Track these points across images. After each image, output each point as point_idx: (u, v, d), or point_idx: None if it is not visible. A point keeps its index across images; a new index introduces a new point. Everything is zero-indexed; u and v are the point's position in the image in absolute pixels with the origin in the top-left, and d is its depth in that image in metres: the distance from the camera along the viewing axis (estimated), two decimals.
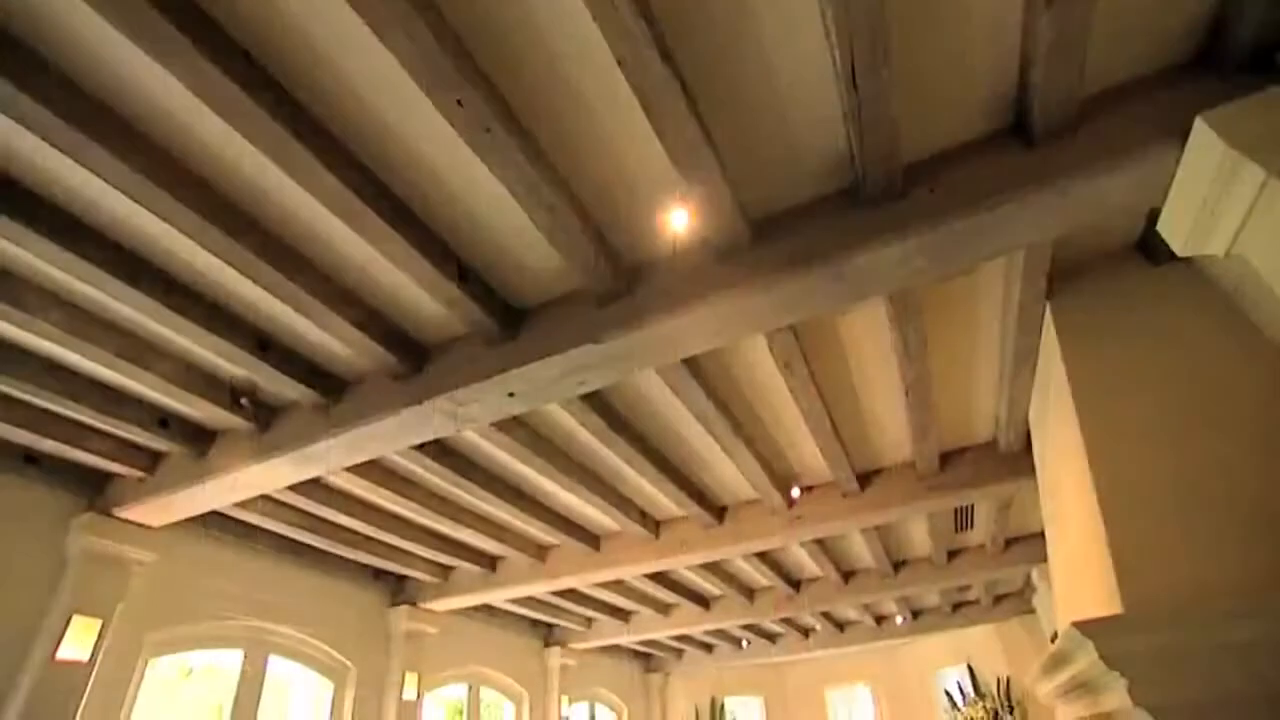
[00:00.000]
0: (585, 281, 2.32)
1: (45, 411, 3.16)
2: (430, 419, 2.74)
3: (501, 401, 2.62)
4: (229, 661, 4.47)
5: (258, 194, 2.12)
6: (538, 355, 2.41)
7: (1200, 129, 1.68)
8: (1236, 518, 2.01)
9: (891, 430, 3.74)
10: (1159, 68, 1.88)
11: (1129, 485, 2.24)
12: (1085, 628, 1.94)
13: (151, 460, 3.54)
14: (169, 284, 2.44)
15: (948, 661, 8.94)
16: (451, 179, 2.09)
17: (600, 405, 3.19)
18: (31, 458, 3.47)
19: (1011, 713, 7.59)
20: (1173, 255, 2.21)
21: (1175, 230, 1.90)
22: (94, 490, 3.67)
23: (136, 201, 1.98)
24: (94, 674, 3.41)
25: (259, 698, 4.44)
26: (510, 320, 2.54)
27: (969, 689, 8.28)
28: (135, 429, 3.18)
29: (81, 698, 3.34)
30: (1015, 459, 3.84)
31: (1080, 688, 2.44)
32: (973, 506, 4.91)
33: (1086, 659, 2.06)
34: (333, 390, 2.98)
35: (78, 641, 3.37)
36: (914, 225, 1.98)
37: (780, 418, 3.51)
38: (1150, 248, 2.47)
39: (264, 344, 2.75)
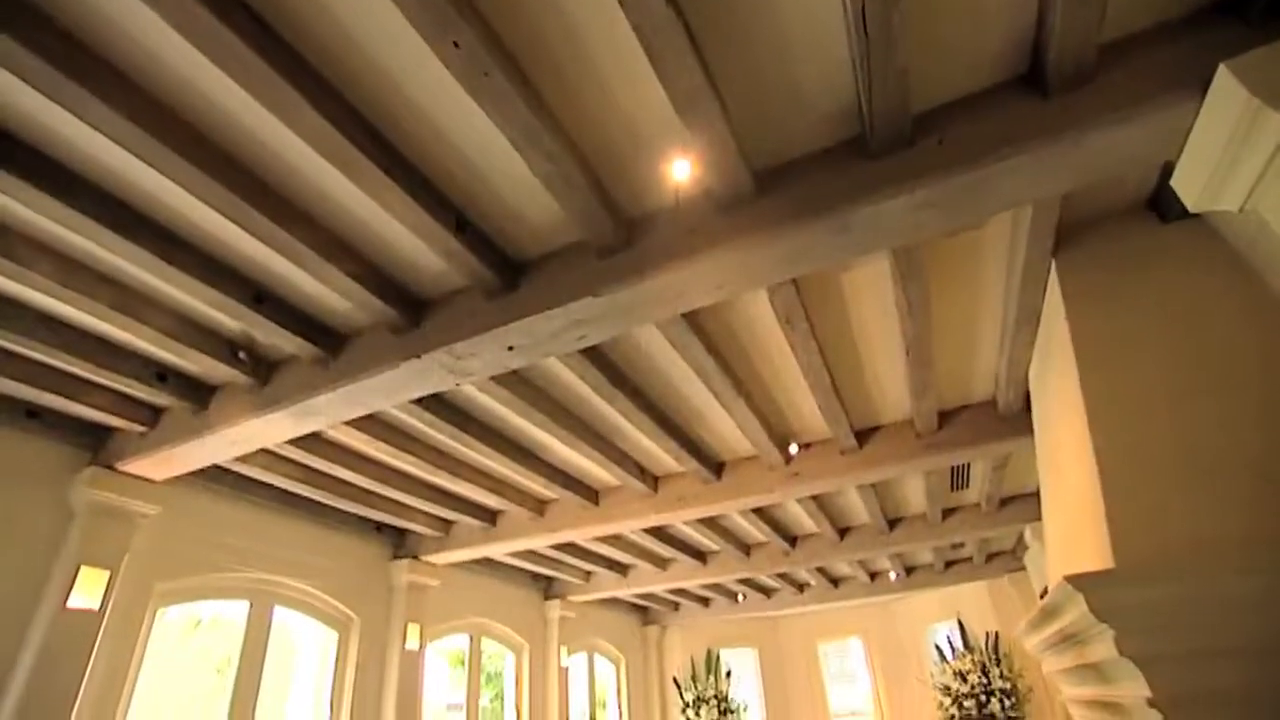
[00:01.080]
0: (585, 234, 2.29)
1: (43, 365, 3.15)
2: (429, 373, 2.73)
3: (500, 355, 2.60)
4: (236, 613, 4.57)
5: (253, 143, 2.06)
6: (537, 308, 2.38)
7: (1223, 76, 1.62)
8: (1234, 480, 2.01)
9: (891, 388, 3.74)
10: (1183, 13, 1.81)
11: (1127, 445, 2.24)
12: (1076, 581, 1.96)
13: (151, 414, 3.55)
14: (163, 235, 2.39)
15: (938, 616, 9.14)
16: (449, 127, 2.03)
17: (600, 360, 3.18)
18: (33, 412, 3.47)
19: (998, 665, 7.79)
20: (1185, 212, 2.17)
21: (1189, 184, 1.86)
22: (96, 444, 3.69)
23: (131, 153, 1.94)
24: (104, 622, 3.47)
25: (265, 647, 4.54)
26: (509, 273, 2.51)
27: (958, 643, 8.48)
28: (133, 383, 3.17)
29: (94, 644, 3.41)
30: (1013, 419, 3.85)
31: (1067, 640, 2.48)
32: (969, 465, 4.95)
33: (1076, 612, 2.09)
34: (331, 344, 2.96)
35: (87, 591, 3.42)
36: (921, 177, 1.94)
37: (780, 374, 3.51)
38: (1162, 204, 2.43)
39: (260, 296, 2.72)
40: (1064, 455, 2.82)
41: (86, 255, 2.51)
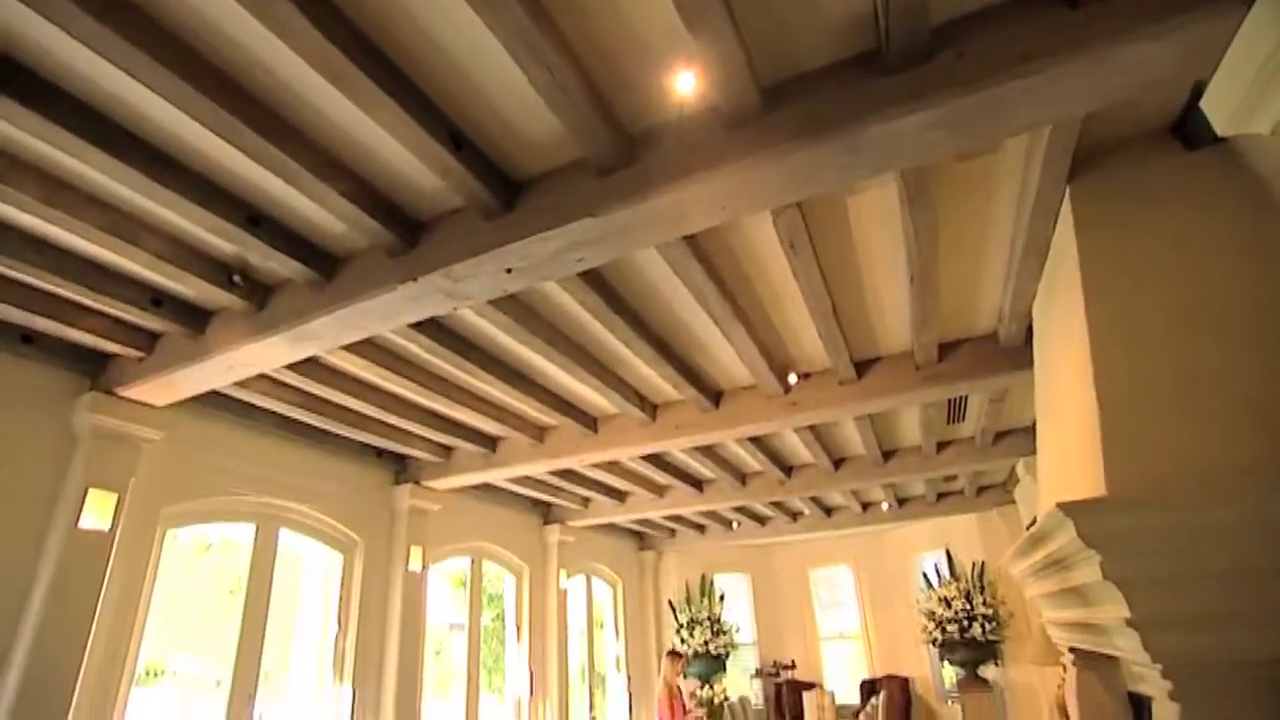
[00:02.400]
0: (586, 151, 2.21)
1: (35, 290, 3.11)
2: (426, 296, 2.69)
3: (499, 278, 2.56)
4: (244, 536, 4.68)
5: (242, 58, 1.97)
6: (536, 229, 2.33)
7: None
8: (1230, 413, 2.01)
9: (892, 318, 3.71)
10: None
11: (1127, 376, 2.24)
12: (1068, 507, 1.99)
13: (149, 340, 3.54)
14: (152, 154, 2.32)
15: (928, 546, 9.41)
16: (445, 38, 1.93)
17: (600, 285, 3.14)
18: (28, 337, 3.45)
19: (982, 593, 8.07)
20: (1211, 138, 2.09)
21: (1221, 105, 1.77)
22: (95, 370, 3.69)
23: (118, 68, 1.86)
24: (115, 543, 3.56)
25: (272, 568, 4.67)
26: (507, 193, 2.44)
27: (945, 572, 8.76)
28: (128, 308, 3.14)
29: (107, 563, 3.51)
30: (1014, 352, 3.84)
31: (1053, 565, 2.54)
32: (966, 399, 4.97)
33: (1065, 537, 2.12)
34: (327, 267, 2.92)
35: (96, 512, 3.50)
36: (937, 93, 1.85)
37: (781, 301, 3.48)
38: (1187, 130, 2.34)
39: (254, 219, 2.66)
40: (1063, 387, 2.82)
41: (73, 175, 2.44)
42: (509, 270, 2.51)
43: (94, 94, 2.10)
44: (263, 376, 4.02)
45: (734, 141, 2.08)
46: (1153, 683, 1.96)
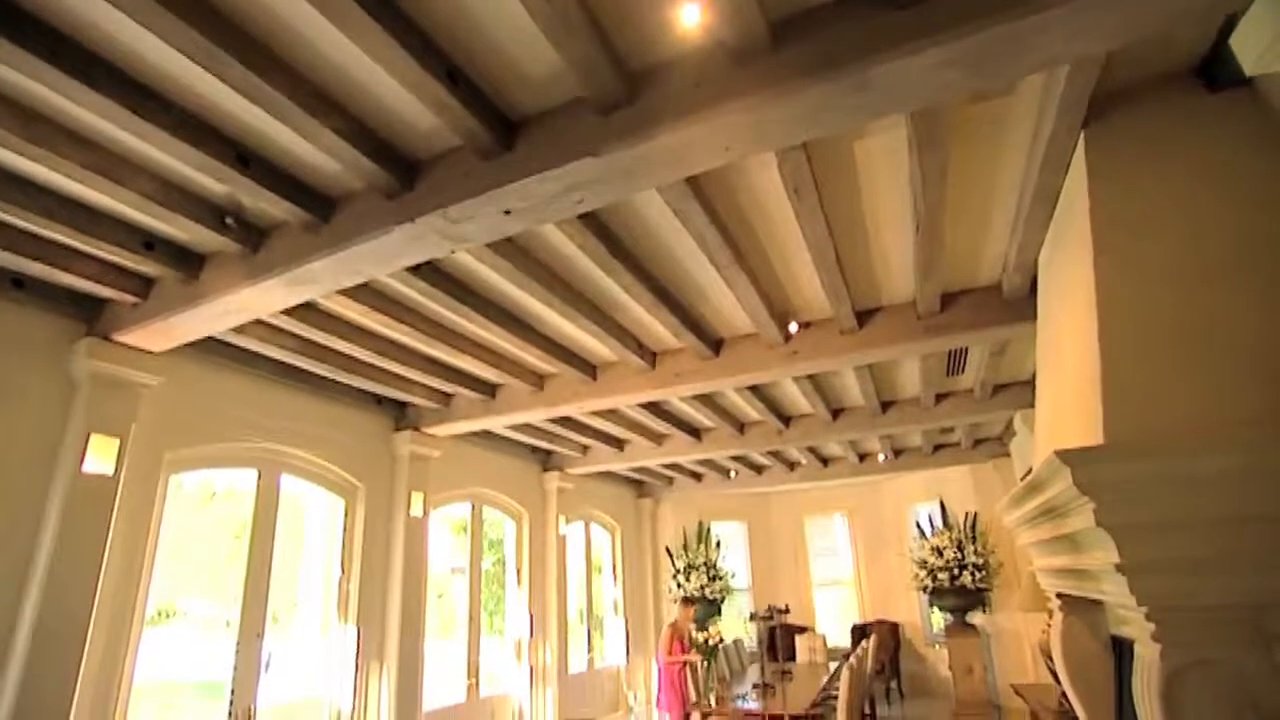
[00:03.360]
0: (586, 88, 2.13)
1: (25, 233, 3.04)
2: (424, 238, 2.64)
3: (497, 220, 2.51)
4: (248, 482, 4.73)
5: None
6: (534, 169, 2.27)
7: None
8: (1233, 365, 2.00)
9: (896, 267, 3.67)
10: None
11: (1132, 327, 2.22)
12: (1065, 455, 2.00)
13: (143, 285, 3.50)
14: (133, 87, 2.23)
15: (922, 497, 9.56)
16: None
17: (599, 228, 3.09)
18: (19, 281, 3.41)
19: (974, 543, 8.23)
20: (1235, 81, 2.01)
21: (1251, 43, 1.70)
22: (90, 316, 3.67)
23: None
24: (120, 487, 3.60)
25: (275, 513, 4.73)
26: (505, 131, 2.37)
27: (938, 522, 8.92)
28: (120, 251, 3.09)
29: (112, 507, 3.55)
30: (1017, 304, 3.82)
31: (1047, 514, 2.57)
32: (966, 350, 4.97)
33: (1060, 485, 2.14)
34: (321, 209, 2.86)
35: (100, 457, 3.52)
36: (952, 28, 1.77)
37: (783, 248, 3.43)
38: (1211, 71, 2.25)
39: (244, 158, 2.59)
40: (1065, 339, 2.80)
41: (54, 110, 2.35)
42: (507, 212, 2.46)
43: (73, 24, 2.01)
44: (260, 322, 4.01)
45: (740, 79, 2.01)
46: (1136, 626, 2.00)
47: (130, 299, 3.49)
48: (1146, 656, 1.89)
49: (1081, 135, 2.48)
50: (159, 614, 5.10)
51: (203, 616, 5.42)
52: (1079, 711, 3.01)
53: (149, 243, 3.16)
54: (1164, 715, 1.74)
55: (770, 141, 2.17)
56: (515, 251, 3.27)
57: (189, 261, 3.30)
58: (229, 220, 2.99)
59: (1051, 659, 3.56)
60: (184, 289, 3.33)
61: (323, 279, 3.03)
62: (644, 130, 2.11)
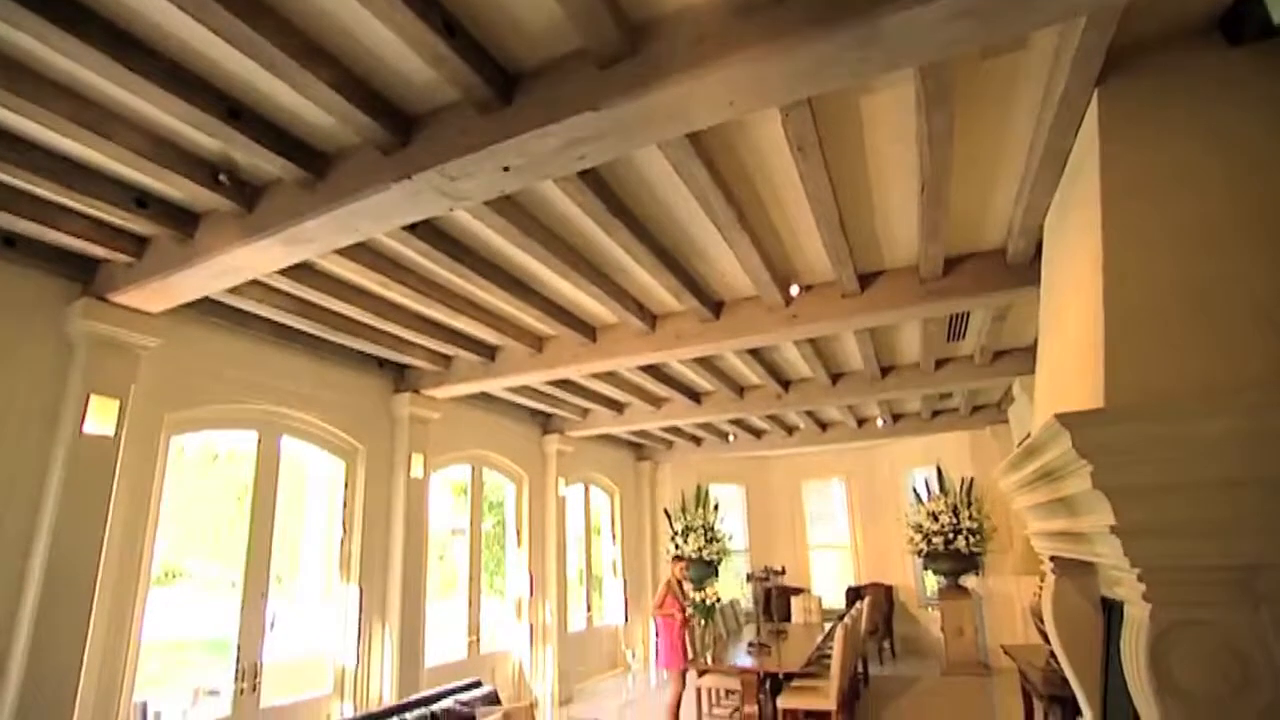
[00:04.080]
0: (586, 40, 2.07)
1: (14, 190, 3.00)
2: (421, 195, 2.60)
3: (496, 177, 2.47)
4: (249, 445, 4.75)
5: None
6: (534, 124, 2.22)
7: None
8: (1243, 328, 1.98)
9: (900, 229, 3.63)
10: None
11: (1138, 290, 2.19)
12: (1065, 418, 1.99)
13: (137, 244, 3.46)
14: (120, 37, 2.16)
15: (919, 462, 9.63)
16: None
17: (599, 187, 3.04)
18: (10, 240, 3.37)
19: (969, 508, 8.32)
20: (1259, 33, 1.95)
21: None
22: (85, 276, 3.64)
23: None
24: (121, 448, 3.61)
25: (277, 474, 4.77)
26: (503, 85, 2.31)
27: (935, 487, 9.00)
28: (112, 209, 3.04)
29: (114, 467, 3.58)
30: (1021, 269, 3.78)
31: (1044, 478, 2.58)
32: (968, 315, 4.94)
33: (1059, 448, 2.14)
34: (316, 165, 2.81)
35: (100, 418, 3.53)
36: None
37: (786, 208, 3.38)
38: (1234, 23, 2.18)
39: (235, 111, 2.53)
40: (1069, 303, 2.78)
41: (33, 59, 2.29)
42: (506, 169, 2.41)
43: None
44: (258, 283, 3.98)
45: (743, 31, 1.95)
46: (1128, 587, 2.02)
47: (125, 258, 3.46)
48: (1136, 616, 1.91)
49: (1095, 93, 2.42)
50: (166, 574, 5.19)
51: (208, 577, 5.52)
52: (1067, 670, 3.07)
53: (141, 200, 3.12)
54: (1150, 671, 1.77)
55: (774, 96, 2.12)
56: (515, 210, 3.22)
57: (183, 220, 3.26)
58: (222, 177, 2.94)
59: (1042, 621, 3.62)
60: (179, 248, 3.30)
61: (319, 237, 2.99)
62: (645, 84, 2.05)
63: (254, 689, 4.36)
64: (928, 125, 2.50)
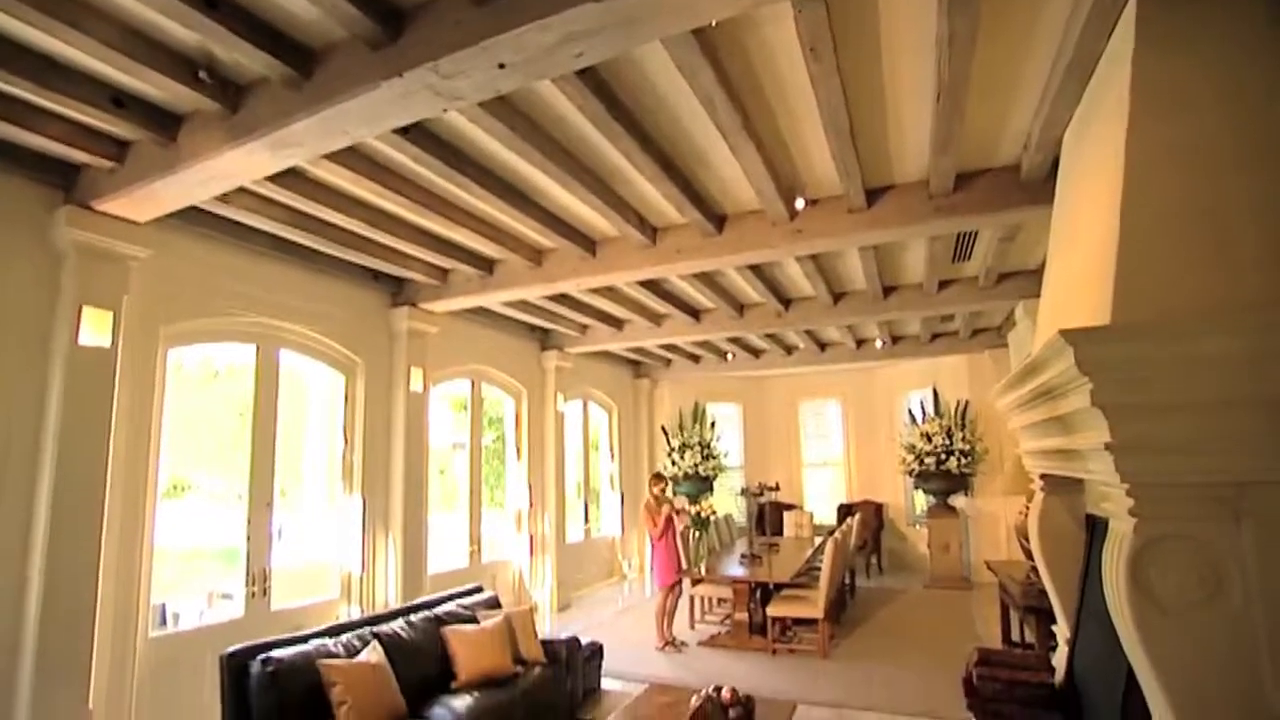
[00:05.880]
0: None
1: None
2: (414, 95, 2.47)
3: (491, 74, 2.33)
4: (248, 361, 4.75)
5: None
6: (531, 17, 2.07)
7: None
8: (1260, 251, 1.93)
9: (911, 141, 3.49)
10: None
11: (1157, 209, 2.12)
12: (1069, 334, 1.97)
13: (118, 148, 3.34)
14: None
15: (915, 385, 9.71)
16: None
17: (600, 87, 2.89)
18: None
19: (963, 430, 8.45)
20: None
21: None
22: (67, 183, 3.53)
23: None
24: (119, 359, 3.61)
25: (276, 388, 4.79)
26: None
27: (930, 409, 9.11)
28: (88, 109, 2.91)
29: (113, 379, 3.59)
30: (1035, 186, 3.67)
31: (1043, 395, 2.58)
32: (975, 235, 4.85)
33: (1061, 366, 2.12)
34: (302, 62, 2.66)
35: (94, 329, 3.52)
36: None
37: (795, 114, 3.23)
38: None
39: (211, 1, 2.37)
40: (1082, 221, 2.71)
41: None
42: (502, 65, 2.27)
43: None
44: (249, 192, 3.88)
45: None
46: (1116, 502, 2.05)
47: (106, 164, 3.35)
48: (1121, 530, 1.94)
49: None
50: (174, 488, 5.33)
51: (215, 490, 5.66)
52: (1046, 582, 3.18)
53: (118, 99, 2.98)
54: (1128, 582, 1.82)
55: None
56: (512, 114, 3.09)
57: (165, 122, 3.13)
58: (202, 74, 2.79)
59: (1026, 538, 3.73)
60: (162, 153, 3.18)
61: (307, 141, 2.87)
62: None
63: (264, 593, 4.54)
64: (949, 26, 2.35)
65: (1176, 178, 2.12)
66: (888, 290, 6.20)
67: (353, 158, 3.50)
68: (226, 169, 3.11)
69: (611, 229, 4.63)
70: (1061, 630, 3.22)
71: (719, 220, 4.48)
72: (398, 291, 5.83)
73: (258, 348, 4.74)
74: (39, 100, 2.88)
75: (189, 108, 3.07)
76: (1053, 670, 3.11)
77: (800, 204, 4.11)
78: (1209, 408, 1.85)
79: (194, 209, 3.89)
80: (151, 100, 3.03)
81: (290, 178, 3.69)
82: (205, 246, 4.33)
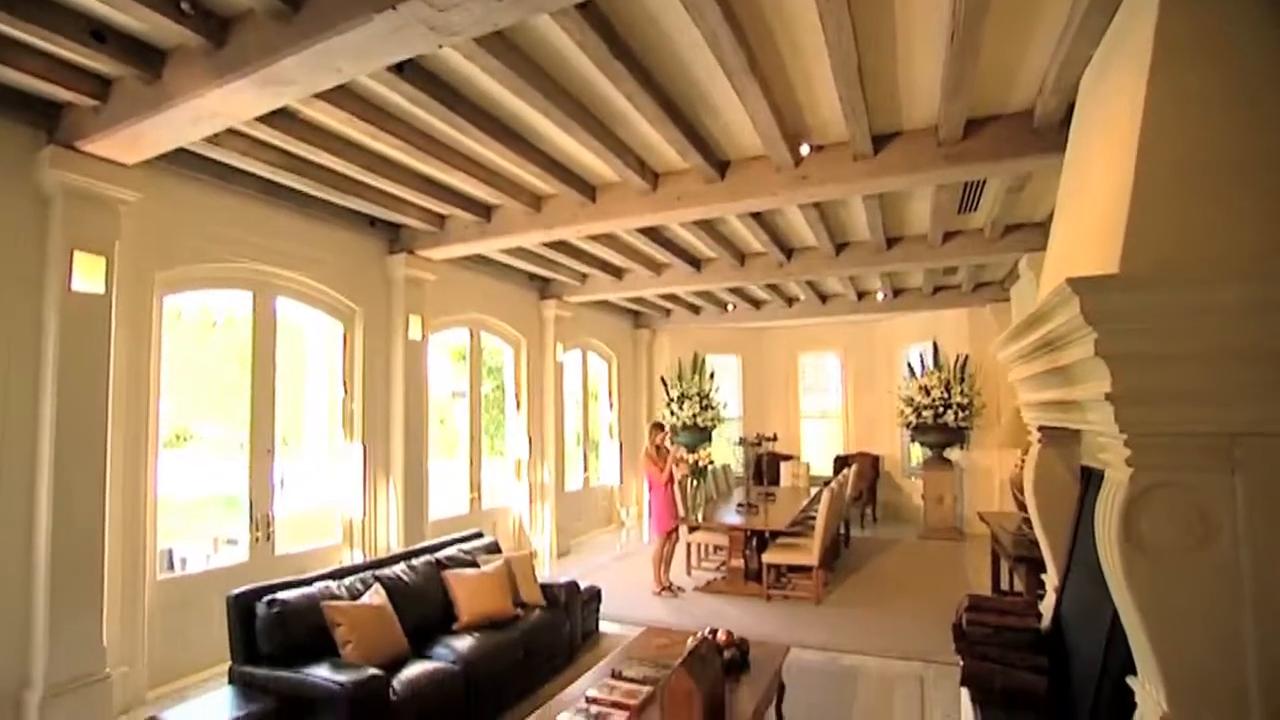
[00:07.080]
0: None
1: None
2: (407, 29, 2.36)
3: (488, 6, 2.22)
4: (246, 310, 4.72)
5: None
6: None
7: None
8: (1269, 204, 1.88)
9: (921, 85, 3.39)
10: None
11: (1173, 158, 2.06)
12: (1076, 283, 1.94)
13: (101, 86, 3.24)
14: None
15: (916, 338, 9.69)
16: None
17: (600, 22, 2.78)
18: None
19: (962, 384, 8.46)
20: None
21: None
22: (50, 123, 3.44)
23: None
24: (113, 306, 3.59)
25: (274, 335, 4.77)
26: None
27: (930, 363, 9.11)
28: (66, 42, 2.81)
29: (109, 325, 3.57)
30: (1047, 133, 3.58)
31: (1045, 346, 2.56)
32: (983, 185, 4.75)
33: (1066, 315, 2.10)
34: None
35: (87, 275, 3.48)
36: None
37: (802, 54, 3.12)
38: None
39: None
40: (1095, 170, 2.64)
41: None
42: None
43: None
44: (240, 134, 3.79)
45: None
46: (1113, 452, 2.05)
47: (89, 102, 3.26)
48: (1116, 479, 1.95)
49: None
50: (176, 437, 5.38)
51: (217, 439, 5.71)
52: (1038, 532, 3.22)
53: (98, 33, 2.87)
54: (1120, 526, 1.84)
55: None
56: (509, 50, 2.98)
57: (148, 58, 3.02)
58: (185, 5, 2.68)
59: (1021, 491, 3.76)
60: (146, 90, 3.09)
61: (298, 78, 2.78)
62: None
63: (268, 538, 4.62)
64: None
65: (1199, 125, 2.06)
66: (891, 241, 6.12)
67: (346, 97, 3.40)
68: (214, 108, 3.02)
69: (612, 174, 4.54)
70: (1050, 578, 3.27)
71: (721, 166, 4.38)
72: (395, 238, 5.75)
73: (254, 295, 4.71)
74: (14, 33, 2.77)
75: (173, 42, 2.96)
76: (1039, 616, 3.18)
77: (805, 150, 4.01)
78: (1210, 358, 1.84)
79: (184, 152, 3.80)
80: (133, 33, 2.93)
81: (282, 119, 3.60)
82: (198, 191, 4.25)
